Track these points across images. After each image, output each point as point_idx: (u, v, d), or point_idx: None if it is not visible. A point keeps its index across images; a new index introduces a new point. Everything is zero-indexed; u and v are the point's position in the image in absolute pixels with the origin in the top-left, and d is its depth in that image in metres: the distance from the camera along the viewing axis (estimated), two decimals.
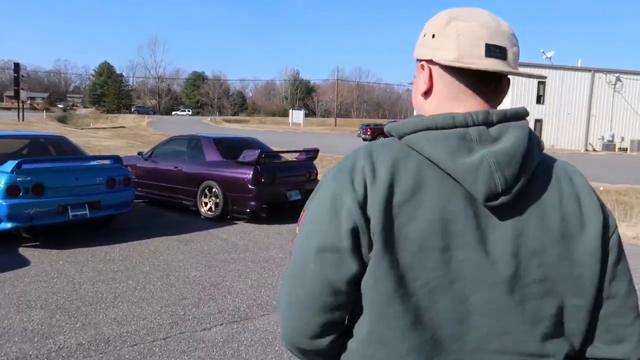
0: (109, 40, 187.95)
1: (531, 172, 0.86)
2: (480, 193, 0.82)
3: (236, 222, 7.46)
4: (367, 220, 0.83)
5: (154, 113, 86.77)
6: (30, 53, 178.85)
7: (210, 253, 5.71)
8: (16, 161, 5.35)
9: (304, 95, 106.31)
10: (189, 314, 3.92)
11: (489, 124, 0.86)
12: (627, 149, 34.01)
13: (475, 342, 0.85)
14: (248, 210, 7.20)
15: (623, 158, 28.05)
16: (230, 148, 7.96)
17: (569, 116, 34.53)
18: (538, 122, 33.80)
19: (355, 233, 0.84)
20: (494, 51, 0.87)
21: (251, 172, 7.10)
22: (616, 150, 33.65)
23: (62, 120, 59.82)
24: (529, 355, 0.87)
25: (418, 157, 0.86)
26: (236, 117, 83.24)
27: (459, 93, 0.90)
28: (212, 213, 7.53)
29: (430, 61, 0.91)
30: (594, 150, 34.27)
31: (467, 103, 0.90)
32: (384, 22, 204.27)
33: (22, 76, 48.85)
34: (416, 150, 0.86)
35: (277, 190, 7.39)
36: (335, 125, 66.25)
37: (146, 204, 8.70)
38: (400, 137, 0.89)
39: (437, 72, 0.91)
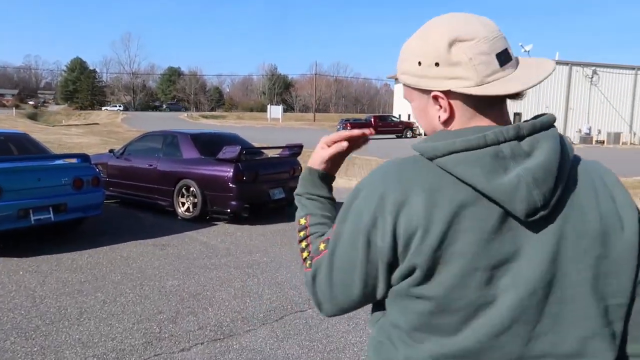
0: (80, 36, 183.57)
1: (566, 179, 0.87)
2: (521, 211, 0.83)
3: (216, 223, 7.00)
4: (402, 253, 0.85)
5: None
6: None
7: (189, 258, 5.26)
8: None
9: (282, 90, 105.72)
10: (165, 331, 3.48)
11: (520, 137, 0.85)
12: (603, 141, 34.45)
13: (518, 349, 0.86)
14: (229, 210, 6.75)
15: (600, 151, 28.33)
16: (209, 144, 7.48)
17: (547, 109, 34.79)
18: (517, 115, 33.98)
19: (389, 268, 0.87)
20: (504, 58, 0.88)
21: (231, 170, 6.65)
22: (593, 143, 34.04)
23: (33, 117, 58.10)
24: (572, 358, 0.87)
25: (453, 180, 0.84)
26: (213, 113, 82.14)
27: (481, 110, 0.89)
28: (190, 214, 7.05)
29: (447, 92, 0.89)
30: (572, 143, 34.60)
31: (489, 116, 0.90)
32: (363, 17, 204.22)
33: None
34: (450, 172, 0.84)
35: (259, 188, 6.95)
36: (314, 120, 65.85)
37: (119, 204, 8.16)
38: (431, 159, 0.86)
39: (457, 99, 0.89)
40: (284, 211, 7.75)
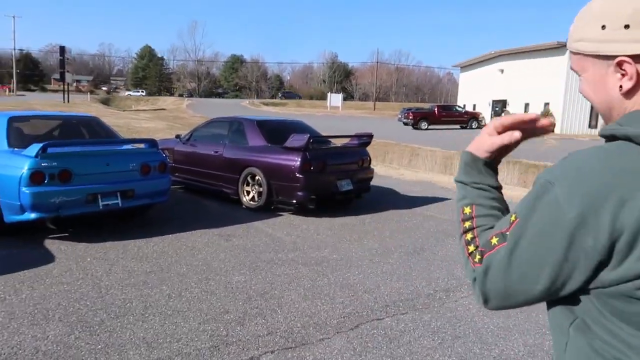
0: (150, 24, 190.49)
1: None
2: None
3: (281, 213, 6.75)
4: (623, 254, 0.78)
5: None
6: (75, 37, 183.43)
7: (255, 251, 5.01)
8: (41, 144, 4.76)
9: (342, 78, 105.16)
10: (233, 334, 3.21)
11: None
12: None
13: None
14: (294, 201, 6.46)
15: None
16: (275, 132, 7.22)
17: None
18: None
19: (597, 267, 0.81)
20: None
21: (299, 159, 6.35)
22: None
23: (105, 102, 61.02)
24: None
25: None
26: (274, 100, 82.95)
27: None
28: (255, 203, 6.84)
29: (635, 57, 0.83)
30: None
31: None
32: (425, 4, 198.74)
33: (67, 59, 49.90)
34: None
35: (327, 179, 6.62)
36: (374, 109, 64.92)
37: (184, 190, 8.10)
38: None
39: None
40: (351, 204, 7.39)
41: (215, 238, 5.44)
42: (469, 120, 36.29)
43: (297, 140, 6.41)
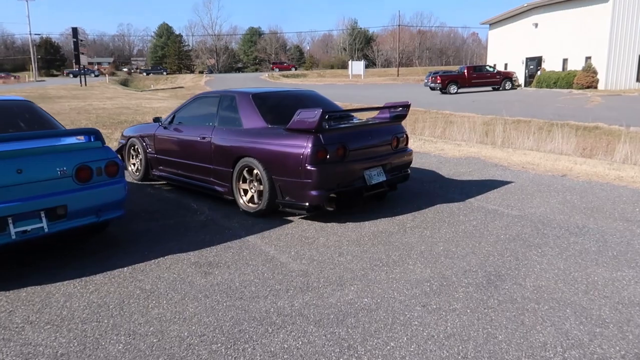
0: (167, 0, 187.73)
1: None
2: None
3: (289, 218, 4.97)
4: None
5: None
6: (95, 19, 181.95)
7: (243, 297, 3.25)
8: None
9: (362, 45, 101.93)
10: None
11: None
12: None
13: None
14: (307, 203, 4.66)
15: None
16: (279, 108, 5.39)
17: None
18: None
19: None
20: None
21: (309, 144, 4.52)
22: None
23: (125, 83, 60.10)
24: None
25: None
26: (294, 72, 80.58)
27: None
28: (255, 206, 5.07)
29: None
30: None
31: None
32: None
33: (81, 40, 48.72)
34: None
35: (350, 169, 4.78)
36: (398, 75, 62.01)
37: (169, 189, 6.38)
38: None
39: None
40: (384, 201, 5.53)
41: (190, 271, 3.70)
42: (501, 80, 33.58)
43: (305, 117, 4.56)
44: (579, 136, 11.22)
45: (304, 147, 4.54)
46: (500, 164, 7.73)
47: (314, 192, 4.57)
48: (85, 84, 46.39)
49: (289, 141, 4.68)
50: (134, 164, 6.97)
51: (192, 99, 6.20)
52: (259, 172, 4.93)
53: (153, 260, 3.90)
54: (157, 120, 6.45)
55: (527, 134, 10.94)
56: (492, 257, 3.88)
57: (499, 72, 34.19)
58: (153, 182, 6.68)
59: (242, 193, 5.22)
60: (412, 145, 9.62)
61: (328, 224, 4.78)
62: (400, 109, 5.47)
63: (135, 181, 6.82)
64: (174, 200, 5.83)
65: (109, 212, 3.98)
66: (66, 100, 26.76)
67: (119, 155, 4.06)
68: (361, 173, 4.86)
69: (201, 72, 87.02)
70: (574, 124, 14.04)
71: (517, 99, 24.45)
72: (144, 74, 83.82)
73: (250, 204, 5.13)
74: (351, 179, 4.80)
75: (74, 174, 3.72)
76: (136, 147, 6.79)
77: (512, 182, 6.45)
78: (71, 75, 69.00)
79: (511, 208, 5.25)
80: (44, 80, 68.22)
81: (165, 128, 6.27)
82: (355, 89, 39.29)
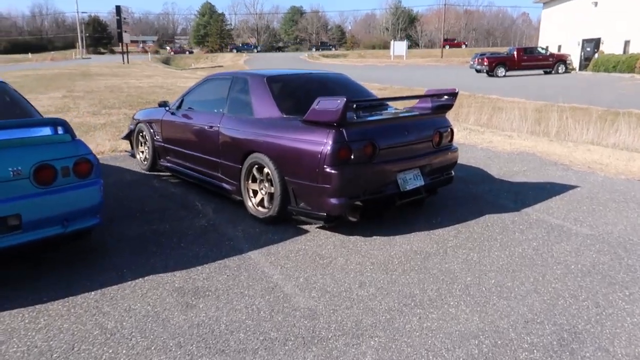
0: None
1: None
2: None
3: (305, 227, 4.14)
4: None
5: (257, 50, 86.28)
6: None
7: (227, 350, 2.45)
8: None
9: (406, 25, 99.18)
10: None
11: None
12: None
13: None
14: (325, 213, 3.81)
15: None
16: (298, 94, 4.53)
17: None
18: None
19: None
20: None
21: (329, 141, 3.64)
22: None
23: (166, 62, 60.44)
24: None
25: None
26: (334, 52, 79.14)
27: None
28: (265, 211, 4.25)
29: None
30: None
31: None
32: None
33: (124, 19, 49.00)
34: None
35: (379, 172, 3.87)
36: (442, 57, 59.63)
37: (175, 182, 5.66)
38: None
39: None
40: (422, 209, 4.60)
41: (169, 301, 2.93)
42: (555, 63, 31.38)
43: (325, 107, 3.66)
44: None
45: (323, 143, 3.66)
46: (560, 162, 6.63)
47: (333, 200, 3.70)
48: (128, 62, 46.88)
49: (305, 136, 3.81)
50: (142, 152, 6.28)
51: (203, 81, 5.40)
52: (269, 172, 4.10)
53: (129, 283, 3.15)
54: (163, 104, 5.70)
55: (585, 123, 9.66)
56: (563, 300, 2.93)
57: (552, 55, 32.00)
58: (161, 174, 5.97)
59: (252, 194, 4.41)
60: (456, 135, 8.56)
61: (350, 237, 3.92)
62: (445, 97, 4.49)
63: (143, 171, 6.14)
64: (178, 197, 5.09)
65: (79, 221, 3.24)
66: (105, 78, 26.66)
67: (90, 153, 3.27)
68: (394, 177, 3.95)
69: (239, 51, 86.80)
70: (637, 112, 12.53)
71: (571, 84, 22.61)
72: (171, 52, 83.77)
73: (260, 208, 4.32)
74: (381, 184, 3.90)
75: (31, 174, 2.99)
76: (144, 133, 6.08)
77: (577, 187, 5.39)
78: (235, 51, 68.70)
79: (580, 224, 4.23)
80: (89, 58, 69.60)
81: (172, 114, 5.51)
82: (396, 70, 37.80)
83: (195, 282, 3.16)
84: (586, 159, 6.74)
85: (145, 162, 6.12)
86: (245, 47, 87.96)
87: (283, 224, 4.18)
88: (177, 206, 4.78)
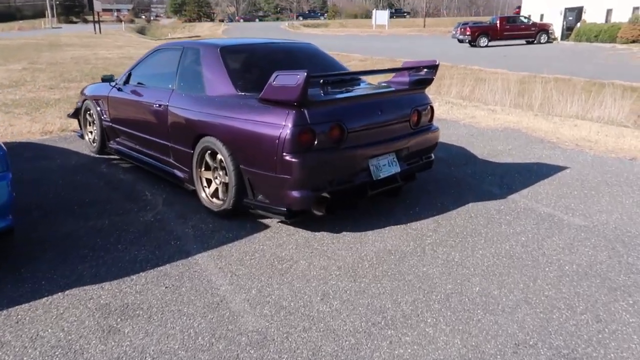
0: None
1: None
2: None
3: (264, 221, 3.64)
4: None
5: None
6: None
7: None
8: None
9: None
10: None
11: None
12: None
13: None
14: (285, 208, 3.29)
15: None
16: (257, 68, 3.95)
17: None
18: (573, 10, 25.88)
19: None
20: None
21: (288, 123, 3.10)
22: None
23: (141, 31, 58.40)
24: None
25: None
26: (316, 21, 77.40)
27: None
28: (220, 203, 3.72)
29: None
30: None
31: None
32: None
33: None
34: None
35: (348, 159, 3.35)
36: (424, 26, 58.65)
37: (125, 169, 5.07)
38: None
39: None
40: (398, 198, 4.10)
41: (89, 324, 2.41)
42: (537, 33, 30.87)
43: (283, 83, 3.10)
44: (628, 99, 9.47)
45: (281, 126, 3.12)
46: (547, 139, 6.19)
47: (294, 193, 3.19)
48: (100, 32, 45.03)
49: (261, 117, 3.26)
50: (90, 133, 5.65)
51: (151, 52, 4.76)
52: (222, 158, 3.55)
53: (44, 300, 2.62)
54: (108, 80, 5.05)
55: (569, 95, 9.23)
56: (558, 312, 2.49)
57: (534, 24, 31.46)
58: (112, 157, 5.38)
59: (205, 183, 3.87)
60: (437, 110, 8.07)
61: (316, 234, 3.43)
62: (425, 71, 3.96)
63: (92, 154, 5.53)
64: (126, 185, 4.52)
65: None
66: (73, 49, 25.39)
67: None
68: (365, 163, 3.44)
69: (221, 21, 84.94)
70: (620, 84, 12.17)
71: (554, 54, 22.20)
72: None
73: (214, 200, 3.79)
74: (351, 173, 3.39)
75: None
76: (91, 111, 5.45)
77: (566, 168, 4.96)
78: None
79: (572, 213, 3.80)
80: (60, 27, 66.86)
81: (119, 89, 4.89)
82: (379, 40, 36.92)
83: (126, 298, 2.64)
84: (574, 136, 6.31)
85: (94, 144, 5.50)
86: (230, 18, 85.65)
87: (240, 217, 3.66)
88: (123, 196, 4.22)
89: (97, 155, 5.45)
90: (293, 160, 3.09)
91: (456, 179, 4.60)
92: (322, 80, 3.54)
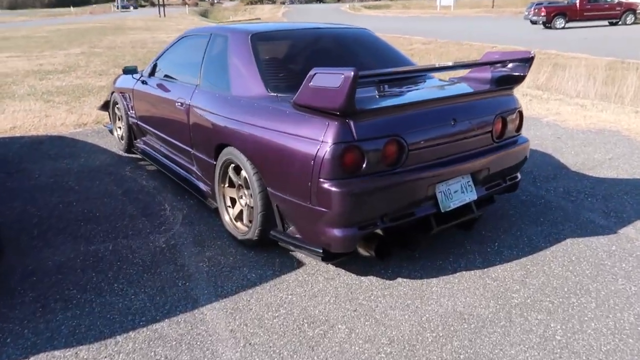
0: None
1: None
2: None
3: (297, 256, 2.87)
4: None
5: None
6: None
7: None
8: None
9: None
10: None
11: None
12: None
13: None
14: (321, 249, 2.50)
15: None
16: (295, 61, 3.17)
17: None
18: None
19: None
20: None
21: (327, 138, 2.29)
22: None
23: (204, 14, 58.99)
24: None
25: None
26: (377, 2, 75.19)
27: None
28: (245, 229, 2.99)
29: None
30: None
31: None
32: None
33: None
34: None
35: (408, 184, 2.49)
36: (493, 7, 55.39)
37: (149, 173, 4.46)
38: None
39: None
40: (472, 239, 3.19)
41: None
42: (622, 13, 28.00)
43: (322, 84, 2.30)
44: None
45: (318, 142, 2.32)
46: None
47: (334, 231, 2.39)
48: (164, 15, 45.92)
49: (293, 128, 2.47)
50: (119, 128, 5.10)
51: (179, 39, 4.07)
52: (247, 177, 2.81)
53: None
54: (129, 71, 4.42)
55: None
56: None
57: (619, 3, 28.54)
58: (140, 157, 4.80)
59: (229, 202, 3.15)
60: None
61: (362, 279, 2.63)
62: (512, 65, 3.01)
63: (120, 152, 4.99)
64: (147, 195, 3.90)
65: None
66: (136, 32, 25.65)
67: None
68: (431, 190, 2.58)
69: (282, 3, 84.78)
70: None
71: None
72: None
73: (238, 224, 3.06)
74: (411, 203, 2.54)
75: None
76: (119, 105, 4.88)
77: None
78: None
79: None
80: (129, 10, 69.05)
81: (144, 82, 4.25)
82: (442, 21, 35.00)
83: None
84: None
85: (122, 142, 4.94)
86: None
87: (269, 249, 2.92)
88: (139, 210, 3.59)
89: (125, 154, 4.90)
90: (333, 189, 2.29)
91: (545, 201, 3.63)
92: (377, 79, 2.69)
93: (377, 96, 2.62)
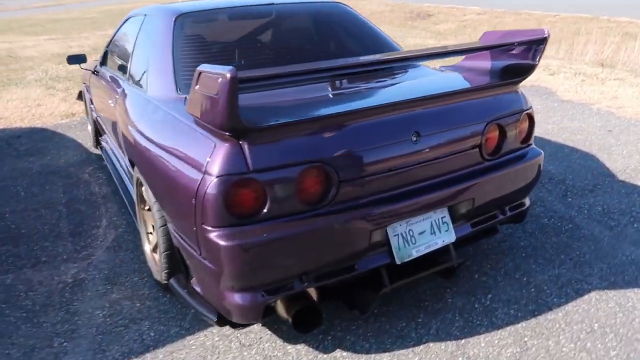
0: None
1: None
2: None
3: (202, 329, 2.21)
4: None
5: None
6: None
7: None
8: None
9: None
10: None
11: None
12: None
13: None
14: (214, 317, 1.82)
15: None
16: (229, 52, 2.46)
17: None
18: None
19: None
20: None
21: (210, 167, 1.58)
22: None
23: None
24: None
25: None
26: None
27: None
28: (158, 269, 2.35)
29: None
30: None
31: None
32: None
33: None
34: None
35: (341, 227, 1.74)
36: None
37: (106, 179, 3.92)
38: None
39: None
40: (458, 285, 2.36)
41: None
42: None
43: (206, 87, 1.58)
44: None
45: (200, 173, 1.62)
46: None
47: (235, 297, 1.69)
48: None
49: (184, 146, 1.79)
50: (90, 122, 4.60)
51: (123, 22, 3.44)
52: (149, 204, 2.17)
53: None
54: (74, 61, 3.83)
55: None
56: None
57: None
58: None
59: (150, 228, 2.52)
60: (561, 85, 5.92)
61: (289, 348, 1.93)
62: (521, 48, 2.14)
63: (91, 148, 4.51)
64: (90, 206, 3.35)
65: None
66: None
67: None
68: (379, 235, 1.81)
69: None
70: None
71: None
72: None
73: (156, 256, 2.43)
74: (347, 254, 1.80)
75: None
76: (85, 97, 4.37)
77: None
78: None
79: None
80: None
81: (96, 73, 3.68)
82: None
83: None
84: None
85: (92, 136, 4.44)
86: None
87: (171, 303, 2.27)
88: (71, 227, 3.05)
89: (95, 150, 4.41)
90: (219, 242, 1.59)
91: (573, 226, 2.75)
92: (291, 80, 1.90)
93: (293, 105, 1.87)
